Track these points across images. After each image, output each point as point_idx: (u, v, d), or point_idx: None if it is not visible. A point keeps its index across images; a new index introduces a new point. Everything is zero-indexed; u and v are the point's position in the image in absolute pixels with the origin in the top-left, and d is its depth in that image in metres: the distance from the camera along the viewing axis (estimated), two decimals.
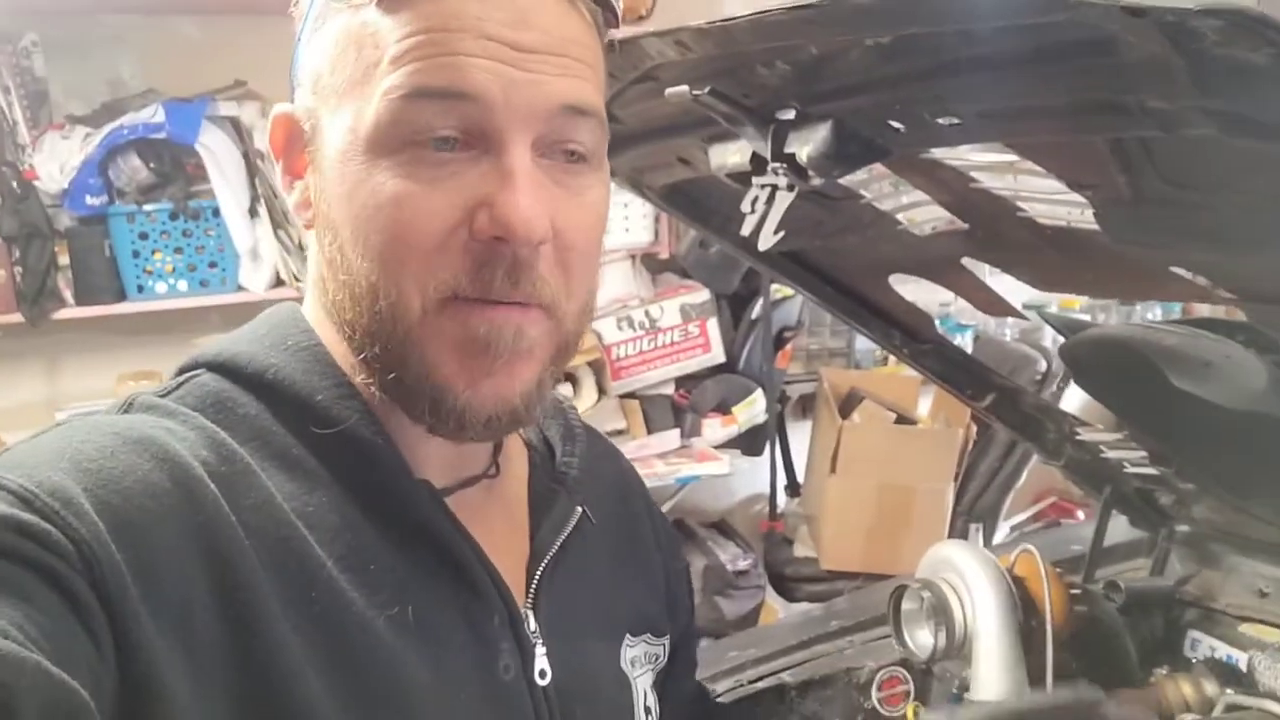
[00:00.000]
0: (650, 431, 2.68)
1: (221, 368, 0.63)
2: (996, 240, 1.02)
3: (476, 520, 0.66)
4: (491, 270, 0.57)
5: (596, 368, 2.62)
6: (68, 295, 2.31)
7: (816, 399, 3.01)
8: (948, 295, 1.30)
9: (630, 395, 2.70)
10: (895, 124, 0.76)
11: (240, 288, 2.43)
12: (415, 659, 0.60)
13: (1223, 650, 1.31)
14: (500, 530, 0.69)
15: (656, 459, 2.63)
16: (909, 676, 1.47)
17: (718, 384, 2.77)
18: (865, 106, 0.76)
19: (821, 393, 2.92)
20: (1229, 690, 1.19)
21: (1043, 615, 1.26)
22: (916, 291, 1.33)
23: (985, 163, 0.89)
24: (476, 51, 0.55)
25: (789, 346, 2.95)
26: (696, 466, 2.64)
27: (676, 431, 2.71)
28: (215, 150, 2.26)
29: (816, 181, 0.85)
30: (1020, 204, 0.93)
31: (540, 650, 0.66)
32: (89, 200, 2.25)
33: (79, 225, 2.31)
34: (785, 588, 2.83)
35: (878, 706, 1.46)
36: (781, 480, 3.02)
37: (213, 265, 2.40)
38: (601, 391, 2.63)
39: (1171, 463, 1.31)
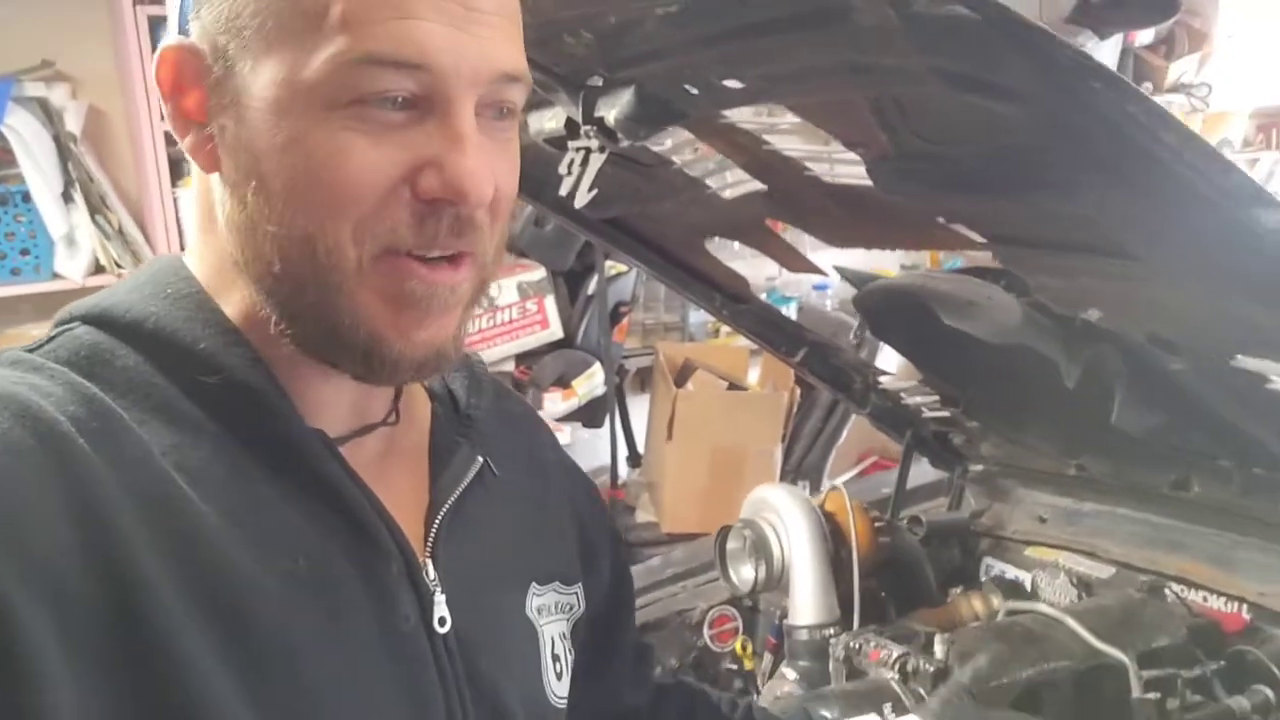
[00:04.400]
0: None
1: (98, 319, 0.60)
2: (790, 199, 1.12)
3: (374, 469, 0.65)
4: (436, 223, 0.57)
5: None
6: None
7: (653, 371, 3.10)
8: (773, 269, 1.40)
9: None
10: (689, 88, 0.85)
11: (57, 275, 2.33)
12: (308, 612, 0.58)
13: (1011, 572, 1.46)
14: (400, 480, 0.68)
15: None
16: (737, 614, 1.57)
17: (556, 359, 2.81)
18: (662, 72, 0.84)
19: (658, 365, 3.01)
20: (1011, 601, 1.33)
21: (850, 544, 1.38)
22: (745, 267, 1.41)
23: (774, 125, 0.98)
24: (428, 14, 0.54)
25: (625, 321, 3.03)
26: None
27: None
28: (23, 133, 2.15)
29: (625, 143, 0.92)
30: (808, 164, 1.03)
31: (440, 598, 0.66)
32: None
33: None
34: (630, 553, 2.90)
35: (709, 643, 1.56)
36: (622, 450, 3.09)
37: (24, 253, 2.30)
38: None
39: (958, 402, 1.45)
